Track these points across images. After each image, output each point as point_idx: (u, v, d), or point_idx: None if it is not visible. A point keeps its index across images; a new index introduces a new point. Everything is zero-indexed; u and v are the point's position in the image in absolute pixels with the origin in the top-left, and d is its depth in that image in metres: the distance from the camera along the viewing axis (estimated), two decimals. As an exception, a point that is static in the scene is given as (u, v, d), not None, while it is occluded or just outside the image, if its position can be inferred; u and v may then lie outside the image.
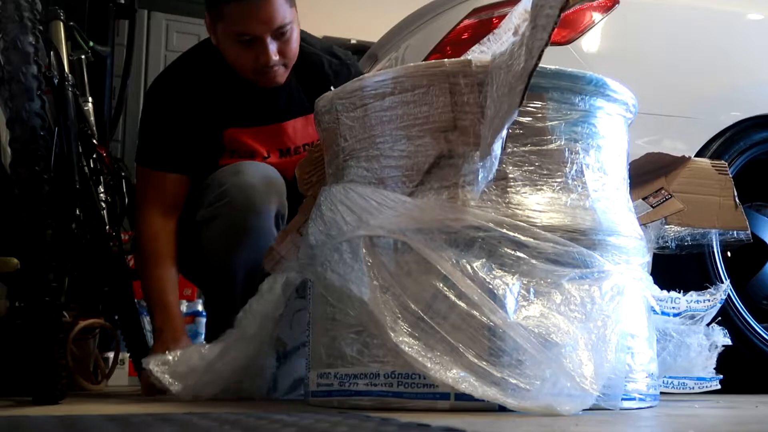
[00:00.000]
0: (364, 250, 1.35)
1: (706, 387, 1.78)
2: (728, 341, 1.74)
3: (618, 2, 2.29)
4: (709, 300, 1.72)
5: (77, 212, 1.96)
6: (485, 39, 1.28)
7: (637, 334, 1.39)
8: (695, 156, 2.20)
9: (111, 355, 2.38)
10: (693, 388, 1.77)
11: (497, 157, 1.28)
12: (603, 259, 1.33)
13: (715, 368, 1.76)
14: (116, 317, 2.32)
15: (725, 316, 2.12)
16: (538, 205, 1.33)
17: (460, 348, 1.24)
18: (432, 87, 1.36)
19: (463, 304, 1.26)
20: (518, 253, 1.28)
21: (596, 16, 2.27)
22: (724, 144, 2.26)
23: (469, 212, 1.30)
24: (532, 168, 1.36)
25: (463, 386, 1.20)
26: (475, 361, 1.23)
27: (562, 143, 1.38)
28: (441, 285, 1.28)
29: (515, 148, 1.36)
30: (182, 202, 2.08)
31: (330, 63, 2.16)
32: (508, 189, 1.33)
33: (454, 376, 1.21)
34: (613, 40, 2.31)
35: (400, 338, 1.27)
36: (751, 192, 2.39)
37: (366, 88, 1.42)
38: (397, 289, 1.31)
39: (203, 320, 3.37)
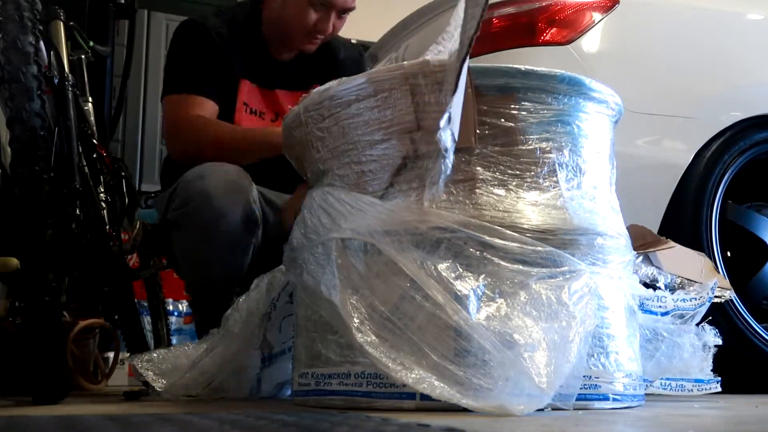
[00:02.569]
0: (335, 253, 1.35)
1: (705, 390, 1.75)
2: (719, 341, 1.72)
3: (618, 2, 2.29)
4: (696, 299, 1.70)
5: (77, 212, 1.96)
6: (440, 38, 1.28)
7: (613, 334, 1.38)
8: (696, 155, 2.21)
9: (111, 355, 2.39)
10: (692, 390, 1.75)
11: (449, 152, 1.27)
12: (574, 258, 1.32)
13: (714, 369, 1.75)
14: (116, 317, 2.32)
15: (725, 316, 2.12)
16: (506, 205, 1.33)
17: (426, 349, 1.24)
18: (393, 90, 1.36)
19: (429, 306, 1.26)
20: (484, 254, 1.28)
21: (596, 16, 2.27)
22: (724, 144, 2.25)
23: (435, 214, 1.30)
24: (501, 168, 1.35)
25: (422, 387, 1.20)
26: (440, 361, 1.23)
27: (534, 143, 1.38)
28: (408, 286, 1.28)
29: (484, 149, 1.35)
30: None
31: (346, 50, 2.30)
32: (476, 190, 1.33)
33: (415, 377, 1.21)
34: (613, 40, 2.31)
35: (366, 339, 1.27)
36: (751, 192, 2.39)
37: (333, 98, 1.43)
38: (366, 290, 1.31)
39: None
